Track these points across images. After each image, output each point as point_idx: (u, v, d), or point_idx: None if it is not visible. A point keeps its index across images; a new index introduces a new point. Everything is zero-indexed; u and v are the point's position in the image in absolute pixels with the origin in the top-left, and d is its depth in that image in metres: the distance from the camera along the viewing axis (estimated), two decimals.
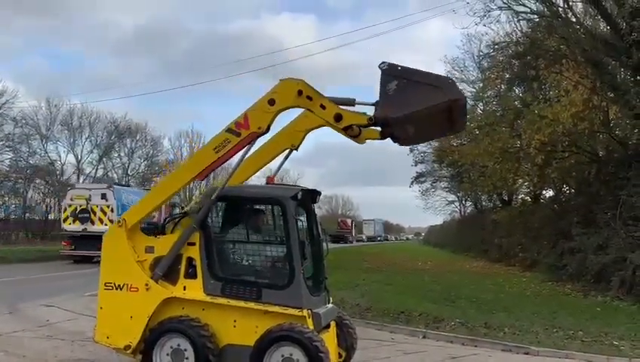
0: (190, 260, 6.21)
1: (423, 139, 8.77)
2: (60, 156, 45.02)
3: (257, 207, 6.79)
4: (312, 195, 6.91)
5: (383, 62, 5.77)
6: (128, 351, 6.10)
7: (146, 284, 6.10)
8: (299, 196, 6.26)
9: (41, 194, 42.80)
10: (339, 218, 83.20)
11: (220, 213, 6.68)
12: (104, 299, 6.25)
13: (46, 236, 39.74)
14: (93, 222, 22.47)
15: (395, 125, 5.87)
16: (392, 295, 14.42)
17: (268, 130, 6.14)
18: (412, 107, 5.52)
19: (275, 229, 6.75)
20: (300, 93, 5.91)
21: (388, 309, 11.52)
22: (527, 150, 18.26)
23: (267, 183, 6.85)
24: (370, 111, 5.90)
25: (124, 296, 6.14)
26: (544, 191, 28.36)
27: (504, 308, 12.68)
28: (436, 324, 10.33)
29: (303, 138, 6.44)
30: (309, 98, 5.93)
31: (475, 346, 8.96)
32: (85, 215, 22.75)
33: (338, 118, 5.89)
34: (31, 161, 41.35)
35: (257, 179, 8.49)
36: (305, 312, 5.79)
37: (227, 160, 6.32)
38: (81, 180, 45.24)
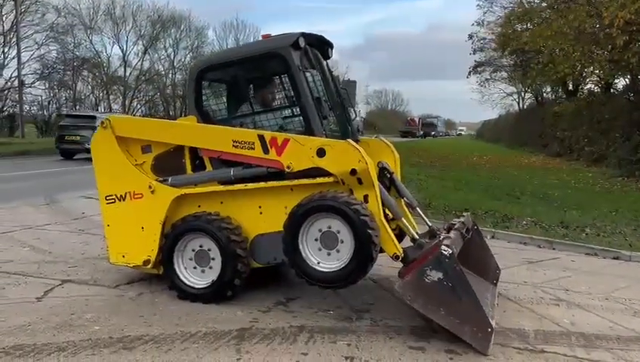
0: (193, 151, 5.23)
1: None
2: (105, 48, 44.49)
3: (251, 68, 5.39)
4: (322, 48, 5.62)
5: (448, 247, 4.19)
6: (149, 266, 5.26)
7: (150, 187, 5.16)
8: (300, 43, 4.98)
9: (90, 87, 42.80)
10: (408, 116, 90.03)
11: (214, 90, 5.62)
12: (109, 214, 5.35)
13: None
14: None
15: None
16: (450, 191, 13.35)
17: (296, 174, 4.76)
18: (442, 318, 4.13)
19: (282, 91, 5.62)
20: (353, 172, 4.53)
21: (449, 206, 10.46)
22: (610, 31, 15.97)
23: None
24: None
25: (129, 207, 5.24)
26: (615, 81, 25.92)
27: (577, 205, 11.54)
28: (505, 223, 9.23)
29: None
30: (359, 181, 4.56)
31: (554, 249, 7.87)
32: None
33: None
34: (77, 53, 40.87)
35: None
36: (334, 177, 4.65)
37: (239, 161, 4.98)
38: (127, 72, 44.86)
